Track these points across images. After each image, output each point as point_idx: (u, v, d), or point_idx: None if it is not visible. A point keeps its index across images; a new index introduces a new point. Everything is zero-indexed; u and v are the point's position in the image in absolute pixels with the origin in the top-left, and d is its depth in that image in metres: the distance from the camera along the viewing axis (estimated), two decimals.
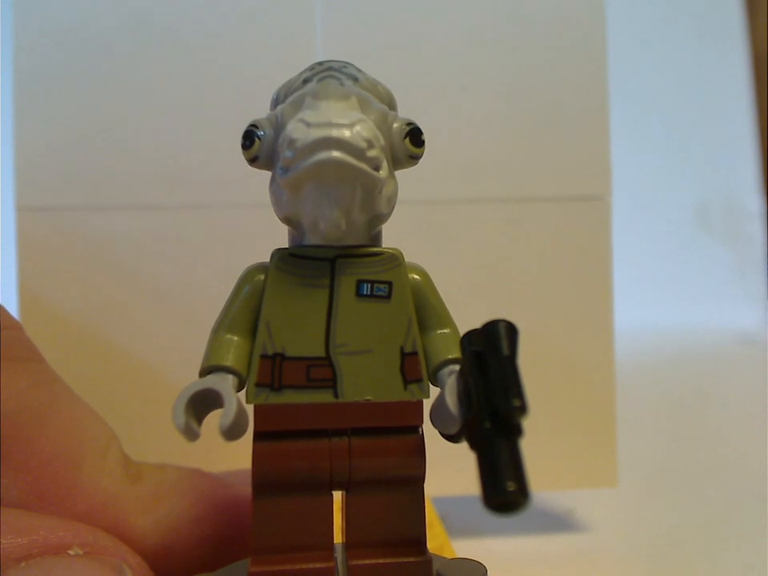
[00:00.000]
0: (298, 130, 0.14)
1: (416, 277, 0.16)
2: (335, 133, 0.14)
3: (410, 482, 0.15)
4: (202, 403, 0.14)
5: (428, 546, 0.16)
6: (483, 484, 0.12)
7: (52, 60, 0.29)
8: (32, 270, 0.29)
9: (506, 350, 0.13)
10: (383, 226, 0.17)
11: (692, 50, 0.64)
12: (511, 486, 0.12)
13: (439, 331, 0.16)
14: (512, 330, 0.14)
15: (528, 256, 0.30)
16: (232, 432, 0.14)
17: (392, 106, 0.16)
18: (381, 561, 0.15)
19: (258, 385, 0.15)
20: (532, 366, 0.31)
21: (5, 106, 0.29)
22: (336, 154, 0.14)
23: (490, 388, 0.13)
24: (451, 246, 0.30)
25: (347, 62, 0.16)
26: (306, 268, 0.15)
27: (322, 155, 0.14)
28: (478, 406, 0.13)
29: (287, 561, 0.15)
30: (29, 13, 0.29)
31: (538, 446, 0.30)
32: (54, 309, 0.29)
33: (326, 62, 0.16)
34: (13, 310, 0.28)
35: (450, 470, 0.27)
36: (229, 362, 0.15)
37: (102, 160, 0.29)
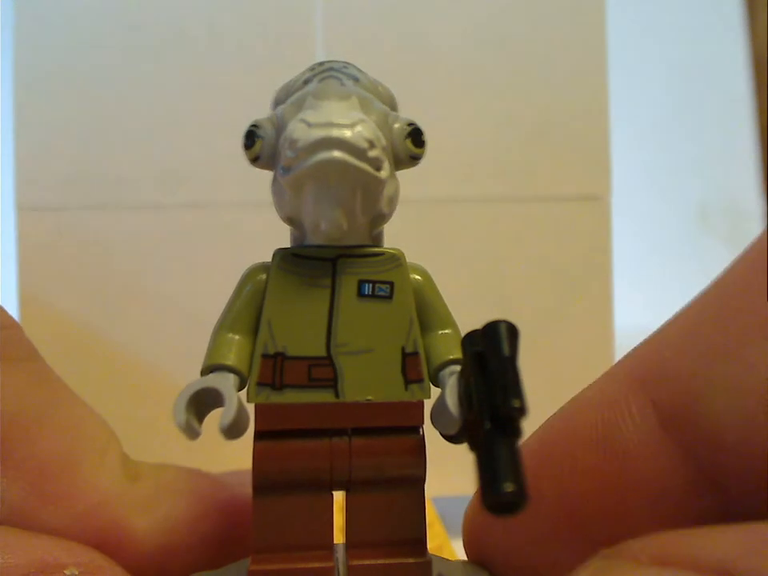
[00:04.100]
0: (299, 130, 0.14)
1: (417, 277, 0.16)
2: (336, 133, 0.14)
3: (410, 482, 0.15)
4: (203, 402, 0.14)
5: (428, 545, 0.16)
6: (482, 484, 0.12)
7: (52, 61, 0.29)
8: (32, 269, 0.29)
9: (506, 351, 0.13)
10: (385, 225, 0.17)
11: (692, 50, 0.64)
12: (509, 487, 0.12)
13: (440, 332, 0.16)
14: (513, 331, 0.14)
15: (528, 256, 0.30)
16: (232, 431, 0.14)
17: (393, 106, 0.16)
18: (381, 561, 0.15)
19: (260, 384, 0.15)
20: (532, 365, 0.31)
21: (5, 106, 0.29)
22: (337, 154, 0.14)
23: (490, 388, 0.13)
24: (451, 245, 0.30)
25: (348, 63, 0.16)
26: (307, 268, 0.15)
27: (323, 155, 0.14)
28: (478, 407, 0.13)
29: (287, 560, 0.15)
30: (29, 14, 0.29)
31: None
32: (53, 308, 0.29)
33: (326, 62, 0.16)
34: (13, 309, 0.28)
35: (450, 470, 0.27)
36: (230, 361, 0.15)
37: (102, 160, 0.29)
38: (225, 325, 0.15)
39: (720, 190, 0.67)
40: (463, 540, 0.16)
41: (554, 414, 0.16)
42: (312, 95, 0.15)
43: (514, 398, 0.13)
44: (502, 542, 0.16)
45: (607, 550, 0.12)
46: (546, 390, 0.31)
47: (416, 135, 0.15)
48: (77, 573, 0.15)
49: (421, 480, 0.15)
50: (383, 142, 0.14)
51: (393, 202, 0.15)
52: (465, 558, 0.17)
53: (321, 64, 0.16)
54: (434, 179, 0.30)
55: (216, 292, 0.30)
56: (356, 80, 0.15)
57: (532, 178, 0.30)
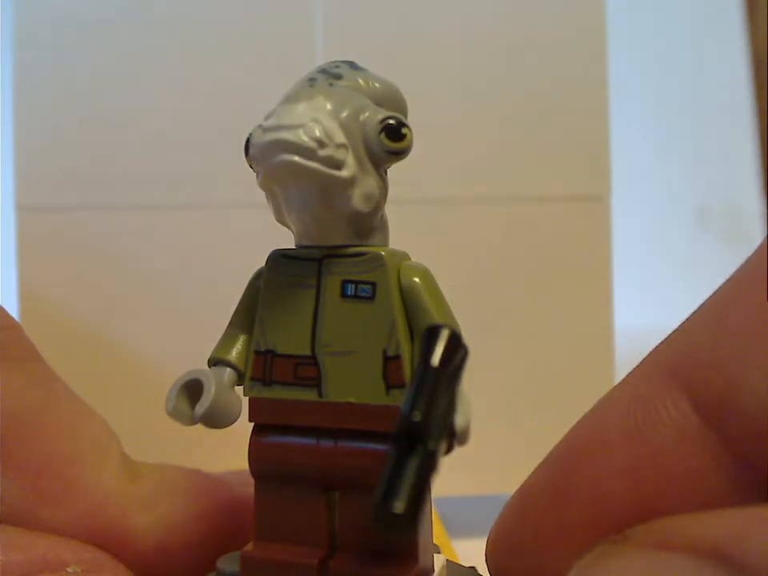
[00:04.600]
0: (255, 136, 0.14)
1: (415, 279, 0.15)
2: (282, 135, 0.14)
3: None
4: (197, 392, 0.15)
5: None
6: (376, 496, 0.11)
7: (52, 59, 0.29)
8: (32, 269, 0.29)
9: (435, 361, 0.12)
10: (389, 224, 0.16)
11: (692, 50, 0.64)
12: (398, 508, 0.11)
13: None
14: (454, 340, 0.13)
15: (528, 256, 0.30)
16: (208, 420, 0.15)
17: (389, 103, 0.16)
18: (360, 569, 0.14)
19: (252, 379, 0.15)
20: (532, 366, 0.31)
21: (5, 105, 0.29)
22: (285, 156, 0.14)
23: (406, 398, 0.12)
24: (451, 245, 0.30)
25: (344, 61, 0.16)
26: (296, 268, 0.15)
27: (273, 159, 0.14)
28: (401, 412, 0.12)
29: (278, 551, 0.15)
30: (29, 13, 0.29)
31: (537, 447, 0.30)
32: (54, 309, 0.29)
33: (325, 63, 0.16)
34: (13, 310, 0.28)
35: (450, 470, 0.27)
36: (228, 356, 0.16)
37: (102, 160, 0.29)
38: (231, 322, 0.16)
39: (720, 190, 0.67)
40: (486, 557, 0.16)
41: (582, 416, 0.15)
42: (283, 100, 0.15)
43: (415, 410, 0.12)
44: (532, 556, 0.15)
45: (614, 536, 0.12)
46: (546, 390, 0.31)
47: (390, 130, 0.15)
48: (79, 570, 0.15)
49: None
50: (339, 139, 0.14)
51: (371, 199, 0.15)
52: (464, 558, 0.17)
53: (318, 66, 0.16)
54: (433, 179, 0.30)
55: (217, 292, 0.30)
56: (338, 77, 0.15)
57: (531, 177, 0.30)
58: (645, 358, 0.15)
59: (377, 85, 0.16)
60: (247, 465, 0.16)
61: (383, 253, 0.15)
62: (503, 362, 0.30)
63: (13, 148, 0.29)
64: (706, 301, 0.14)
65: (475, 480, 0.29)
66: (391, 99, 0.16)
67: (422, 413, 0.12)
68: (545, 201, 0.30)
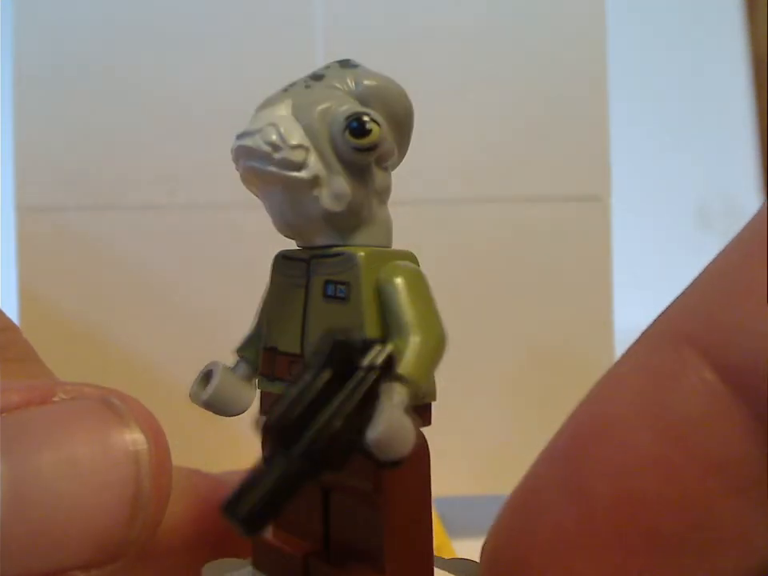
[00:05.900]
0: (232, 144, 0.15)
1: (394, 279, 0.15)
2: (243, 142, 0.14)
3: (368, 494, 0.14)
4: None
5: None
6: (235, 489, 0.11)
7: (52, 60, 0.29)
8: (32, 269, 0.29)
9: (309, 365, 0.12)
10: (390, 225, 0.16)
11: (692, 50, 0.64)
12: (241, 513, 0.11)
13: (396, 340, 0.14)
14: (339, 349, 0.12)
15: (528, 256, 0.30)
16: (212, 406, 0.16)
17: (378, 102, 0.15)
18: (339, 570, 0.15)
19: (262, 374, 0.16)
20: (532, 366, 0.31)
21: (5, 106, 0.29)
22: (246, 163, 0.15)
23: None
24: (451, 246, 0.30)
25: (340, 60, 0.16)
26: (291, 269, 0.16)
27: (239, 165, 0.15)
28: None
29: (279, 537, 0.16)
30: (29, 14, 0.29)
31: (538, 448, 0.30)
32: (54, 309, 0.29)
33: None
34: (13, 309, 0.28)
35: (450, 470, 0.27)
36: (245, 351, 0.16)
37: (102, 160, 0.29)
38: (253, 320, 0.17)
39: (720, 190, 0.67)
40: (483, 569, 0.14)
41: (585, 397, 0.13)
42: (258, 106, 0.15)
43: (272, 414, 0.11)
44: (550, 565, 0.12)
45: None
46: (546, 390, 0.31)
47: (353, 127, 0.14)
48: (66, 398, 0.15)
49: (375, 495, 0.14)
50: (295, 141, 0.14)
51: (342, 198, 0.15)
52: (464, 557, 0.17)
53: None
54: (434, 179, 0.30)
55: (217, 292, 0.30)
56: (318, 78, 0.15)
57: (531, 178, 0.30)
58: (649, 327, 0.13)
59: (366, 82, 0.15)
60: (245, 464, 0.16)
61: (361, 253, 0.15)
62: (503, 362, 0.30)
63: (13, 148, 0.29)
64: (711, 264, 0.12)
65: (475, 480, 0.29)
66: (381, 97, 0.16)
67: (277, 417, 0.11)
68: (545, 201, 0.30)
